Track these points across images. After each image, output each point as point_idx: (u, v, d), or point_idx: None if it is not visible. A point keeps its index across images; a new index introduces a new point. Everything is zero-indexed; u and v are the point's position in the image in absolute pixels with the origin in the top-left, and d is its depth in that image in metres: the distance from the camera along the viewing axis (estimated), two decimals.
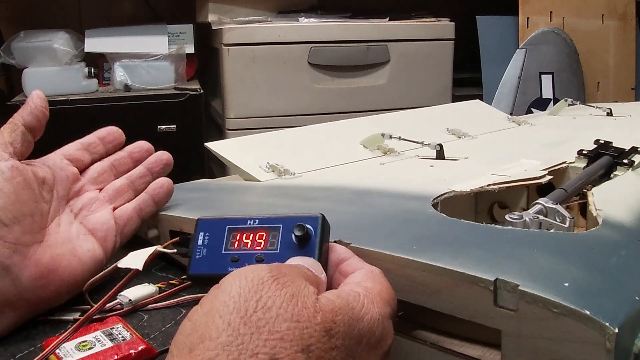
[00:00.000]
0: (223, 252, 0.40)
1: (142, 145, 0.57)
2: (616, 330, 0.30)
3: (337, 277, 0.38)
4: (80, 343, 0.41)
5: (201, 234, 0.41)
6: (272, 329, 0.29)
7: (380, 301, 0.34)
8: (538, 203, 0.51)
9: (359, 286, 0.35)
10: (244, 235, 0.40)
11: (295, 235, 0.38)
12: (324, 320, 0.31)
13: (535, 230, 0.48)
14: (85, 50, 1.71)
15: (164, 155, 0.57)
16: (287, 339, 0.29)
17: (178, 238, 0.44)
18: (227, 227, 0.41)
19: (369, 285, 0.35)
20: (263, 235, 0.40)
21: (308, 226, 0.38)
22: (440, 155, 0.73)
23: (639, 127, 0.93)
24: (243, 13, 1.75)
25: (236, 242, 0.40)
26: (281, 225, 0.39)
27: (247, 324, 0.29)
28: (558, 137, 0.83)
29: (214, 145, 0.73)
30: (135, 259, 0.43)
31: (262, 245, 0.39)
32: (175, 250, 0.44)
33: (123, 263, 0.43)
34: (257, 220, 0.40)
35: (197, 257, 0.41)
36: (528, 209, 0.51)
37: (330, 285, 0.38)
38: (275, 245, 0.39)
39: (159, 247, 0.44)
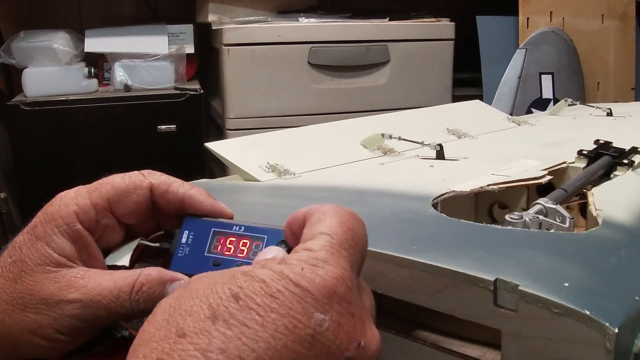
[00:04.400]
0: (205, 254, 0.40)
1: None
2: (616, 330, 0.30)
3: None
4: None
5: (186, 232, 0.41)
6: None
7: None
8: (538, 203, 0.51)
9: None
10: (228, 240, 0.40)
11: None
12: (232, 288, 0.30)
13: (535, 230, 0.48)
14: (85, 50, 1.71)
15: None
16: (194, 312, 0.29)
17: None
18: (212, 229, 0.41)
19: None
20: (247, 243, 0.40)
21: None
22: (440, 155, 0.73)
23: (639, 127, 0.93)
24: (243, 13, 1.75)
25: (219, 246, 0.40)
26: (266, 237, 0.39)
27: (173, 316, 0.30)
28: (558, 137, 0.83)
29: (214, 146, 0.73)
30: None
31: (244, 253, 0.39)
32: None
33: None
34: (242, 227, 0.40)
35: (180, 255, 0.41)
36: (528, 209, 0.51)
37: None
38: (257, 255, 0.39)
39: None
